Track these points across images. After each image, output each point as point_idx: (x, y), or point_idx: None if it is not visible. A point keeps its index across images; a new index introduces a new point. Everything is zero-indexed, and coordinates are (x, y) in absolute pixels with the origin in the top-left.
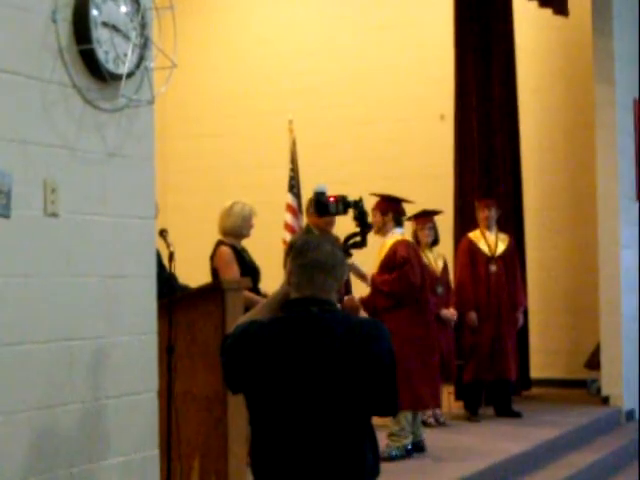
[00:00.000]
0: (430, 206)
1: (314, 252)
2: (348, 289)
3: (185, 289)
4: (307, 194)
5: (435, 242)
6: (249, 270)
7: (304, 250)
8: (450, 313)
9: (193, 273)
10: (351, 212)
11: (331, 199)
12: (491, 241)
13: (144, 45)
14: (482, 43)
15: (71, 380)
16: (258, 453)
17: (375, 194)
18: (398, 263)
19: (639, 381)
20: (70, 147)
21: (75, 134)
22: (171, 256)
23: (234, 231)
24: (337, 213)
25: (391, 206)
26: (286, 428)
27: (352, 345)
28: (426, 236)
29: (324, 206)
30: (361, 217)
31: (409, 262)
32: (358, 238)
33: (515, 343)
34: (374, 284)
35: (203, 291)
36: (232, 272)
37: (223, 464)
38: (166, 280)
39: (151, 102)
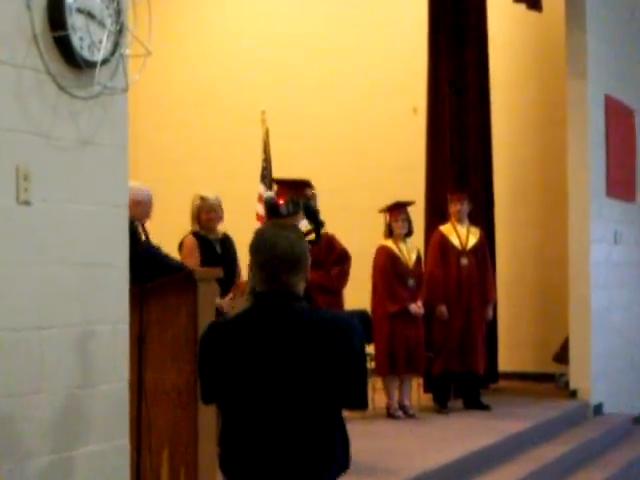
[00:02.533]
0: (402, 198)
1: (273, 246)
2: None
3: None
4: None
5: (409, 234)
6: (218, 260)
7: (262, 245)
8: (418, 308)
9: None
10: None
11: (281, 202)
12: (462, 234)
13: (119, 32)
14: (455, 38)
15: (42, 369)
16: (227, 446)
17: (276, 179)
18: (337, 257)
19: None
20: (44, 134)
21: (49, 121)
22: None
23: (194, 228)
24: (288, 215)
25: (291, 193)
26: (254, 422)
27: (319, 340)
28: (400, 228)
29: (275, 210)
30: (312, 216)
31: (349, 256)
32: (312, 236)
33: (484, 336)
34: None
35: (175, 281)
36: (191, 262)
37: (193, 455)
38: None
39: (125, 90)
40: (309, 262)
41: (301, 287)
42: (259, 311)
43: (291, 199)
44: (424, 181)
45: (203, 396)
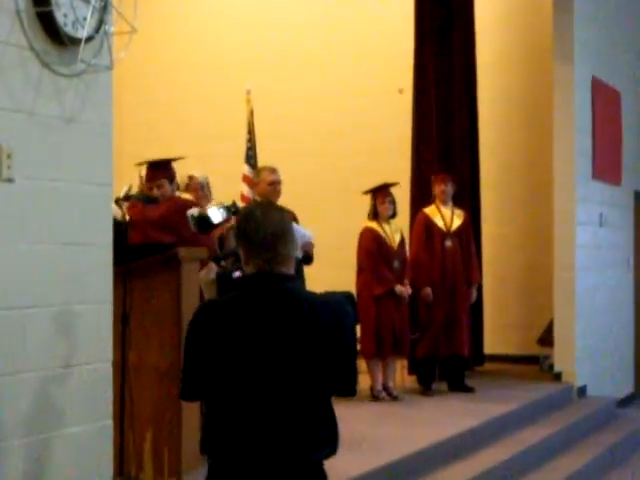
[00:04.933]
0: (387, 180)
1: (263, 225)
2: None
3: None
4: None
5: (393, 215)
6: None
7: (252, 225)
8: (404, 289)
9: None
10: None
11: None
12: (447, 216)
13: (104, 9)
14: (442, 19)
15: (25, 349)
16: (215, 429)
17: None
18: None
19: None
20: (27, 111)
21: (32, 98)
22: (126, 225)
23: None
24: (221, 223)
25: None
26: (244, 403)
27: (313, 321)
28: (386, 210)
29: (205, 223)
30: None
31: None
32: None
33: (469, 319)
34: None
35: (159, 261)
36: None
37: (176, 435)
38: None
39: (110, 67)
40: (298, 241)
41: (290, 268)
42: (253, 292)
43: (220, 204)
44: (409, 162)
45: (184, 390)
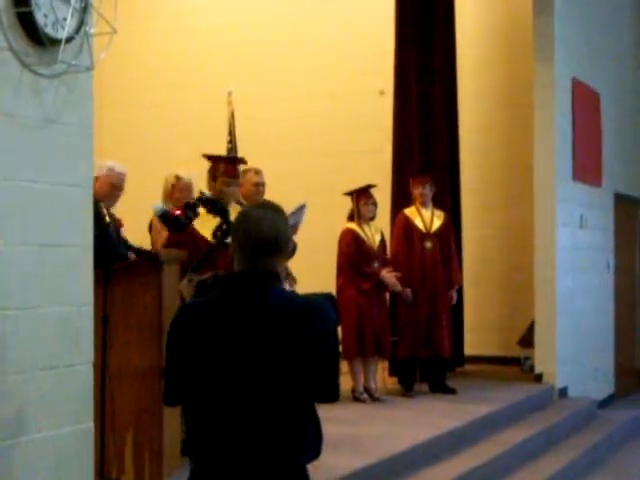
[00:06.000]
0: (369, 182)
1: (255, 227)
2: None
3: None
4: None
5: (373, 217)
6: None
7: (245, 224)
8: (389, 274)
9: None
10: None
11: (177, 212)
12: (426, 218)
13: (84, 10)
14: (423, 20)
15: (5, 350)
16: (196, 432)
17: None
18: None
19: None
20: (7, 112)
21: (12, 99)
22: (107, 226)
23: (166, 204)
24: (190, 221)
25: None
26: (224, 405)
27: (295, 323)
28: (369, 211)
29: (176, 222)
30: (215, 209)
31: None
32: (225, 226)
33: (449, 320)
34: None
35: (140, 263)
36: (160, 242)
37: (157, 438)
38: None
39: (90, 68)
40: (290, 244)
41: (280, 269)
42: (234, 292)
43: (187, 204)
44: (391, 164)
45: (167, 395)
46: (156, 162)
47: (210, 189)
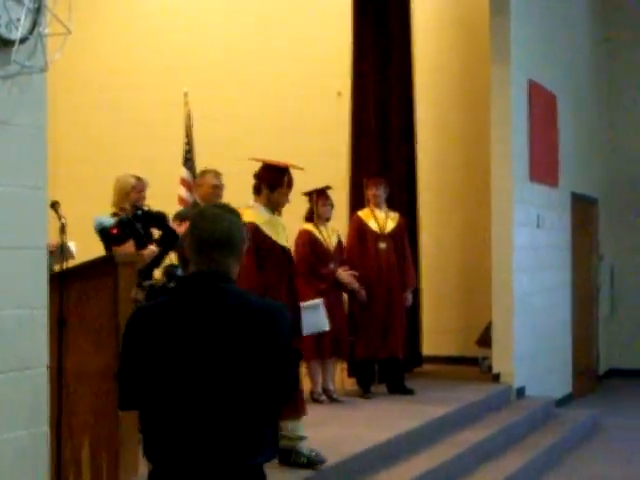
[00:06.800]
0: (327, 183)
1: (211, 226)
2: None
3: None
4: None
5: (328, 218)
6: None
7: (200, 223)
8: (344, 272)
9: (86, 246)
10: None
11: (114, 231)
12: (380, 219)
13: (38, 10)
14: (380, 21)
15: None
16: (152, 434)
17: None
18: None
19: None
20: None
21: None
22: (62, 228)
23: (119, 206)
24: (127, 239)
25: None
26: (179, 407)
27: (251, 323)
28: (327, 212)
29: (115, 239)
30: (152, 222)
31: None
32: (167, 236)
33: (404, 321)
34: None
35: (96, 265)
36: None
37: (114, 441)
38: None
39: (44, 69)
40: (245, 245)
41: (235, 270)
42: (191, 293)
43: (120, 221)
44: (348, 165)
45: (122, 399)
46: (112, 163)
47: (259, 198)
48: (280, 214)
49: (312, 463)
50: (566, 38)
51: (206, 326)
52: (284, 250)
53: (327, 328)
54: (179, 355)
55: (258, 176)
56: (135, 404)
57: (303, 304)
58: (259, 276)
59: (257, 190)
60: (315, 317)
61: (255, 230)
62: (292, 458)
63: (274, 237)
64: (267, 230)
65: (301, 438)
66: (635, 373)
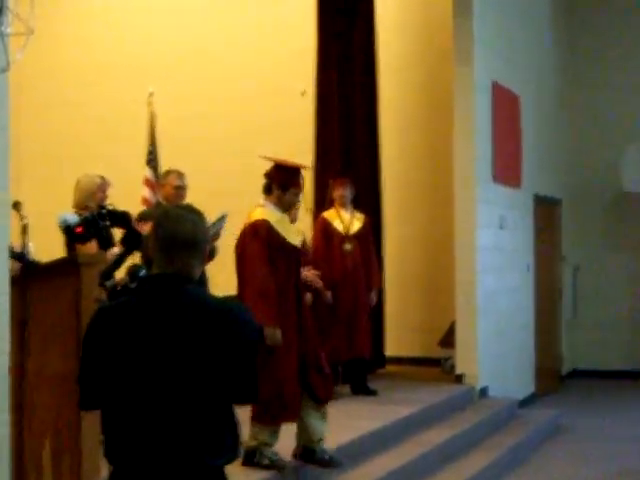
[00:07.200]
0: None
1: (175, 226)
2: None
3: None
4: (166, 168)
5: (294, 219)
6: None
7: (165, 224)
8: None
9: (50, 246)
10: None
11: (78, 229)
12: (346, 220)
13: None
14: (344, 21)
15: None
16: (113, 435)
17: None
18: None
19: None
20: None
21: None
22: (24, 229)
23: (82, 205)
24: (91, 237)
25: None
26: (139, 408)
27: (212, 324)
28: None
29: (79, 238)
30: (117, 221)
31: None
32: (130, 235)
33: (369, 321)
34: None
35: (58, 265)
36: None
37: (76, 442)
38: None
39: (5, 70)
40: (208, 247)
41: (198, 271)
42: (152, 294)
43: (85, 219)
44: (312, 165)
45: (83, 399)
46: (76, 162)
47: (269, 197)
48: (295, 219)
49: (275, 466)
50: (529, 40)
51: (166, 327)
52: (295, 249)
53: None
54: (139, 355)
55: (269, 175)
56: (96, 404)
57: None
58: (271, 270)
59: (268, 189)
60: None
61: (267, 227)
62: (256, 458)
63: (285, 236)
64: (279, 228)
65: (267, 443)
66: (597, 374)
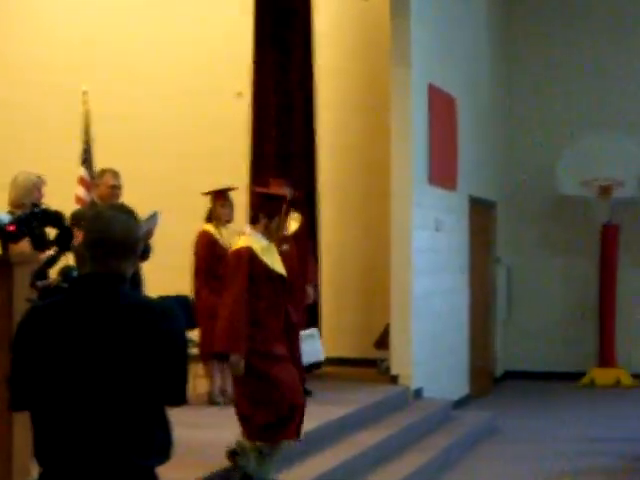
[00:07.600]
0: (225, 183)
1: (107, 226)
2: None
3: None
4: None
5: (229, 220)
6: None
7: (96, 224)
8: None
9: None
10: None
11: (11, 228)
12: None
13: None
14: (281, 21)
15: None
16: (42, 437)
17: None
18: None
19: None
20: None
21: None
22: None
23: (18, 202)
24: (24, 235)
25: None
26: (68, 409)
27: (142, 324)
28: (226, 214)
29: (12, 237)
30: (49, 221)
31: None
32: (63, 235)
33: (305, 322)
34: None
35: None
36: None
37: (7, 443)
38: None
39: None
40: (141, 248)
41: (130, 271)
42: (83, 294)
43: (19, 218)
44: (248, 166)
45: (13, 399)
46: (9, 161)
47: (256, 226)
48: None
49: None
50: (466, 42)
51: (96, 327)
52: (280, 277)
53: (322, 358)
54: (68, 355)
55: (255, 206)
56: (26, 405)
57: (301, 333)
58: (250, 301)
59: (254, 219)
60: (311, 346)
61: (251, 255)
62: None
63: (270, 264)
64: (263, 257)
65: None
66: (531, 375)
